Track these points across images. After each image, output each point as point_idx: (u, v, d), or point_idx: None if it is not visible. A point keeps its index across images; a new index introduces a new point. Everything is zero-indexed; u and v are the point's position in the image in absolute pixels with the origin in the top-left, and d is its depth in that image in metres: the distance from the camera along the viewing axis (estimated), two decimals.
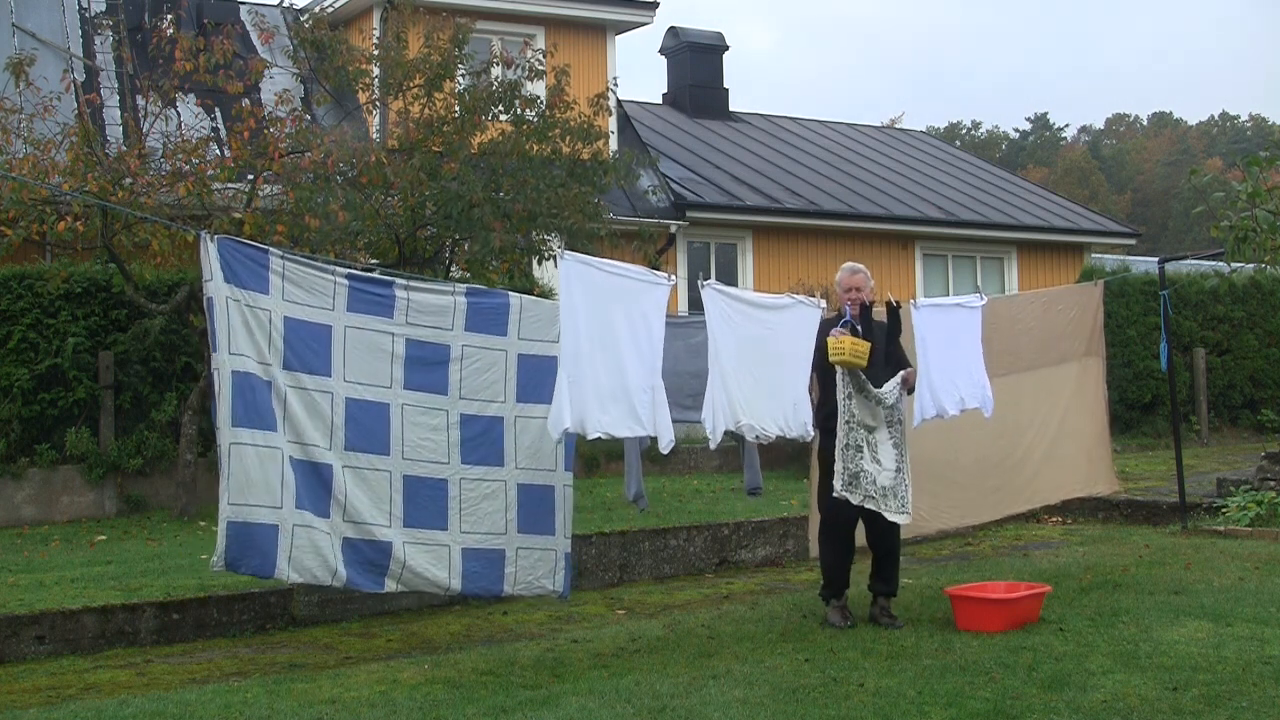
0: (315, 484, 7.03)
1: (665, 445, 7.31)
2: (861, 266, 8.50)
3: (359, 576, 7.20)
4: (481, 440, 7.63)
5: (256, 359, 6.86)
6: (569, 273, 7.11)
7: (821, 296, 9.69)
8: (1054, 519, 12.66)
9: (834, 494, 7.90)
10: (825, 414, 8.23)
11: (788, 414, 8.09)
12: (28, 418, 13.43)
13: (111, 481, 13.56)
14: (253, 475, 6.77)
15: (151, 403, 13.84)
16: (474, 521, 7.57)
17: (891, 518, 8.02)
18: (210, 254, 6.78)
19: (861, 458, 7.93)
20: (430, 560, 7.39)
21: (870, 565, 8.34)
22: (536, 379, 7.68)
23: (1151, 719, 5.86)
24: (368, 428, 7.26)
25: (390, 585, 7.37)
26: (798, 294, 8.91)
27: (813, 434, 8.30)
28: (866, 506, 7.95)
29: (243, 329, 6.82)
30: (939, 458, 9.41)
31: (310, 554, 6.96)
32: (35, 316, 13.54)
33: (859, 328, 8.14)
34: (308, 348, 7.07)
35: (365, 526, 7.19)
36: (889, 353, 8.27)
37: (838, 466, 7.90)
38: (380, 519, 7.25)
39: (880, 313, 8.45)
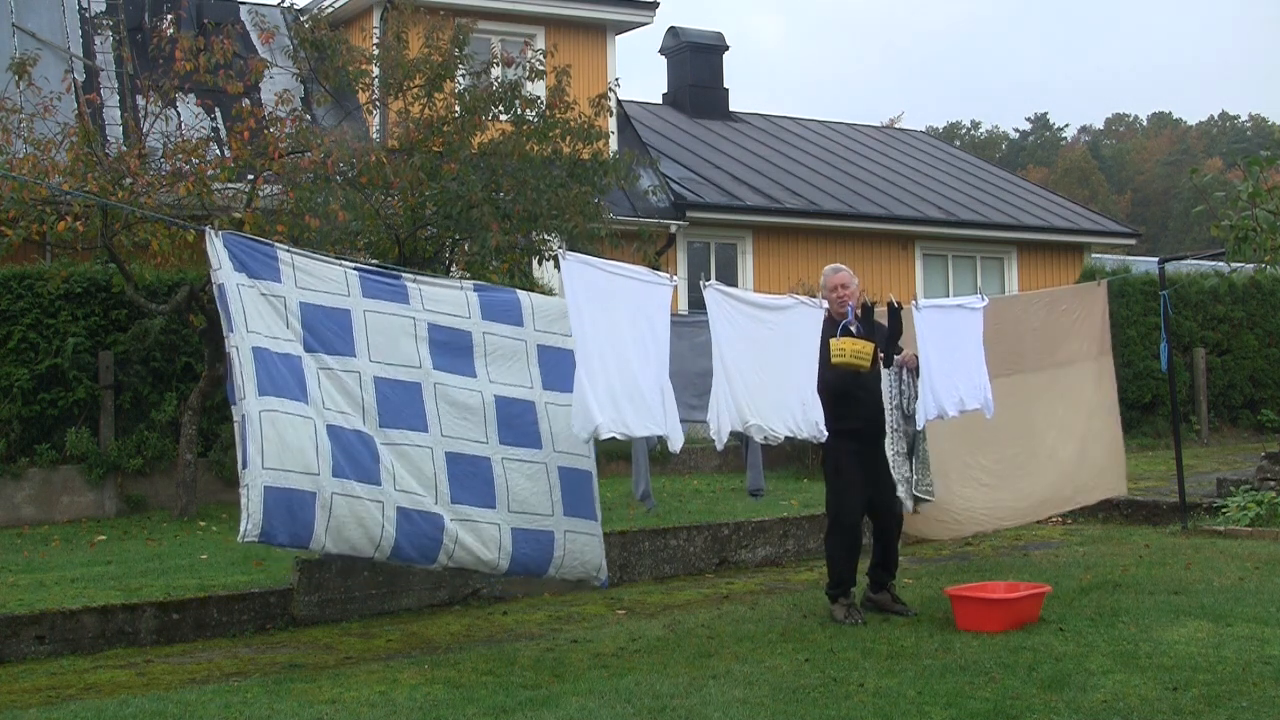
0: (361, 451, 6.86)
1: (676, 445, 7.35)
2: (842, 266, 8.56)
3: (410, 549, 7.00)
4: (517, 421, 7.51)
5: (281, 337, 6.78)
6: (572, 273, 7.12)
7: (822, 298, 9.69)
8: (1054, 519, 12.65)
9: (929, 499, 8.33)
10: (835, 415, 8.27)
11: (796, 414, 8.07)
12: (28, 418, 13.43)
13: (111, 481, 13.56)
14: (288, 440, 6.57)
15: (151, 403, 13.84)
16: (521, 501, 7.42)
17: (909, 502, 8.30)
18: (217, 247, 6.77)
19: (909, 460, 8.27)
20: (480, 539, 7.24)
21: (872, 554, 8.42)
22: (558, 369, 7.62)
23: (1151, 719, 5.87)
24: (401, 406, 7.12)
25: (443, 560, 7.15)
26: (798, 294, 8.91)
27: (825, 434, 8.32)
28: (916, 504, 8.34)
29: (258, 311, 6.74)
30: (959, 459, 9.39)
31: (352, 525, 6.74)
32: (35, 316, 13.54)
33: (859, 329, 8.17)
34: (328, 330, 7.00)
35: (417, 497, 7.01)
36: (889, 354, 8.29)
37: (901, 475, 8.18)
38: (427, 495, 7.09)
39: (881, 313, 8.46)
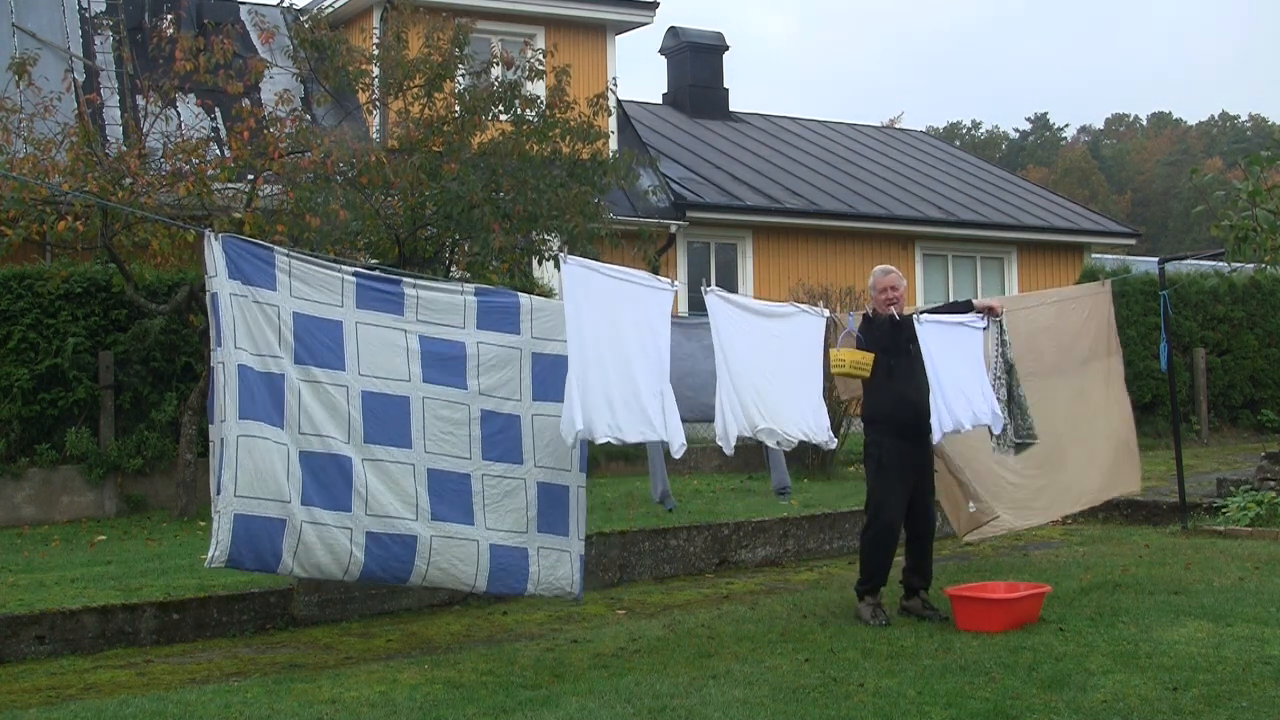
0: (334, 477, 6.92)
1: (678, 450, 7.32)
2: (892, 267, 8.52)
3: (380, 570, 7.09)
4: (501, 437, 7.54)
5: (266, 353, 6.80)
6: (573, 277, 7.10)
7: (820, 300, 9.69)
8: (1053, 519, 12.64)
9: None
10: (878, 410, 8.24)
11: (809, 419, 8.02)
12: (28, 418, 13.43)
13: (111, 481, 13.56)
14: (262, 466, 6.66)
15: (151, 403, 13.84)
16: (497, 518, 7.46)
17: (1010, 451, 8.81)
18: (215, 251, 6.75)
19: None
20: (458, 556, 7.28)
21: (905, 560, 8.39)
22: (551, 378, 7.60)
23: (1151, 719, 5.87)
24: (387, 420, 7.16)
25: (415, 580, 7.27)
26: (799, 298, 8.90)
27: (835, 440, 8.30)
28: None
29: (247, 324, 6.77)
30: (987, 465, 9.36)
31: (321, 551, 6.85)
32: (35, 316, 13.54)
33: (863, 338, 8.18)
34: (319, 342, 7.01)
35: (389, 520, 7.07)
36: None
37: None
38: (405, 512, 7.13)
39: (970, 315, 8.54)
